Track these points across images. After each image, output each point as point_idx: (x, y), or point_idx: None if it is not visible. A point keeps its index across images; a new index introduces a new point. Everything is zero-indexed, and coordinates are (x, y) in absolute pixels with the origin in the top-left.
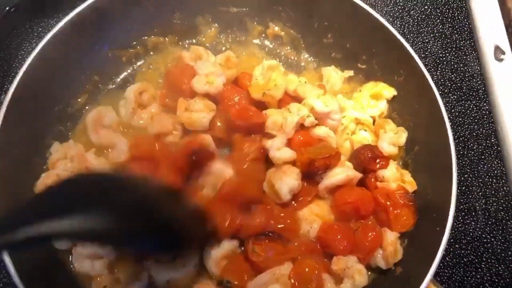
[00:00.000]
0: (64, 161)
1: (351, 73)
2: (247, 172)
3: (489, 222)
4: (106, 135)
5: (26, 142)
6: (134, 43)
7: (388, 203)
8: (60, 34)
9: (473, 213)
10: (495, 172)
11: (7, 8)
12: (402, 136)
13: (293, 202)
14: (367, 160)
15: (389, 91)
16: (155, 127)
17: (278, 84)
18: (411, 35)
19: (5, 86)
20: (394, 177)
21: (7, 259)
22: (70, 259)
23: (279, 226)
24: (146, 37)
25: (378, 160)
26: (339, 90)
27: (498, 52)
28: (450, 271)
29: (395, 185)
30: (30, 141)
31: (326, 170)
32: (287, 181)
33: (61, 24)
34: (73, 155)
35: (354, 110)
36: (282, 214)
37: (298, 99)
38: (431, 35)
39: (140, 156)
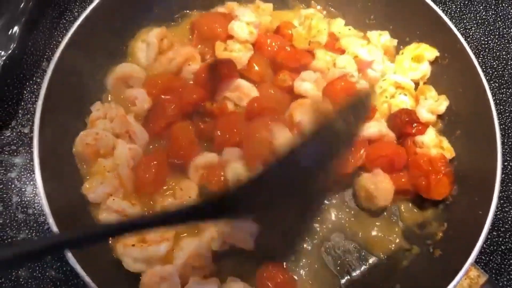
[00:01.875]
0: (103, 120)
1: (394, 42)
2: (273, 95)
3: None
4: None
5: (67, 108)
6: (177, 16)
7: (430, 168)
8: (102, 4)
9: None
10: None
11: None
12: (442, 104)
13: None
14: (403, 123)
15: (431, 52)
16: (177, 57)
17: (321, 29)
18: (454, 20)
19: (47, 53)
20: (434, 143)
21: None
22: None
23: None
24: (188, 11)
25: (414, 125)
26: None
27: None
28: (487, 258)
29: (435, 151)
30: (71, 107)
31: None
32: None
33: None
34: (113, 116)
35: (395, 73)
36: None
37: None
38: (474, 21)
39: (161, 91)
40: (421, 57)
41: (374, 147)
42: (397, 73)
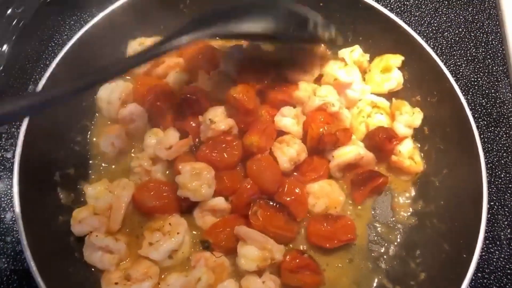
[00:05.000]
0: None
1: (367, 57)
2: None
3: None
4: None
5: (51, 134)
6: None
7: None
8: (90, 31)
9: (498, 242)
10: None
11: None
12: (417, 117)
13: (295, 173)
14: (382, 140)
15: (396, 59)
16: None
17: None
18: (444, 56)
19: (34, 76)
20: (409, 154)
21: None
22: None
23: (288, 198)
24: None
25: (393, 140)
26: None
27: None
28: None
29: (408, 162)
30: (55, 132)
31: (335, 145)
32: (286, 150)
33: (95, 20)
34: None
35: (370, 93)
36: (293, 186)
37: None
38: (464, 58)
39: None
40: (388, 67)
41: None
42: (372, 90)
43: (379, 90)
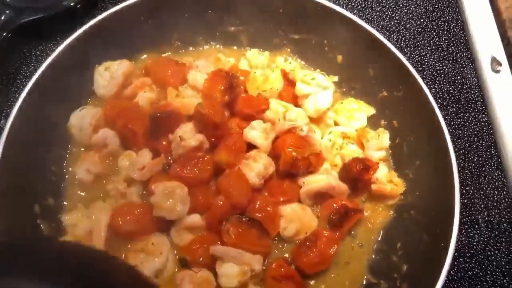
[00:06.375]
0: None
1: (335, 78)
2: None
3: (492, 235)
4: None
5: (27, 167)
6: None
7: None
8: (58, 60)
9: (476, 226)
10: (496, 183)
11: (4, 34)
12: (384, 138)
13: (266, 193)
14: (359, 172)
15: (369, 110)
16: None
17: (274, 88)
18: (408, 48)
19: (5, 111)
20: (387, 178)
21: None
22: None
23: (259, 214)
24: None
25: (370, 171)
26: None
27: (495, 63)
28: (455, 285)
29: (389, 187)
30: (31, 166)
31: (308, 169)
32: (253, 166)
33: (60, 48)
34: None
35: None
36: (264, 203)
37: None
38: (428, 48)
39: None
40: (359, 110)
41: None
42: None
43: (345, 124)
